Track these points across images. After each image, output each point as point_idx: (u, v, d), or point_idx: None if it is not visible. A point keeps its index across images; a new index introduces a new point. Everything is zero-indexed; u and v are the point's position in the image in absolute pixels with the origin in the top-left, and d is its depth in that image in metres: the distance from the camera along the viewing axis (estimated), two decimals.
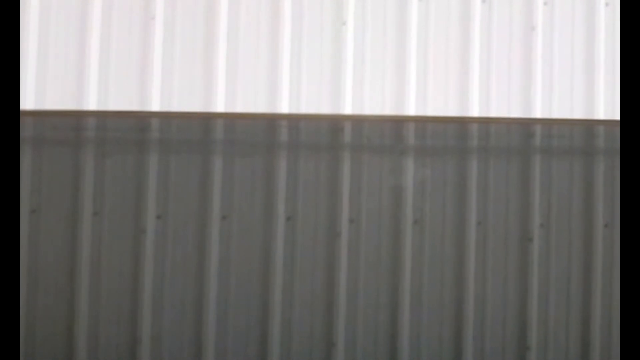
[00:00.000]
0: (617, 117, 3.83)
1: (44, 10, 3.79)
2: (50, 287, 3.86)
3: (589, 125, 3.98)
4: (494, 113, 3.85)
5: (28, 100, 3.73)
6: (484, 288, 3.98)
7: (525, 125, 3.97)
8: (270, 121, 3.90)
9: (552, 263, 4.00)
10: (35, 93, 3.74)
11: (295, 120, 3.88)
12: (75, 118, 3.84)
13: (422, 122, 3.92)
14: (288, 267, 3.91)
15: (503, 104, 3.86)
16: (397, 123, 3.93)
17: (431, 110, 3.84)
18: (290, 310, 3.91)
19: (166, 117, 3.85)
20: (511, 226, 4.00)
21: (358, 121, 3.90)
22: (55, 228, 3.89)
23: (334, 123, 3.90)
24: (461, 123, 3.94)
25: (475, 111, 3.85)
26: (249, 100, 3.79)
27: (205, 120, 3.89)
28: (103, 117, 3.83)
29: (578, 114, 3.87)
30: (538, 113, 3.86)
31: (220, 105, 3.78)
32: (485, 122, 3.92)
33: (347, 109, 3.81)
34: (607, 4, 3.95)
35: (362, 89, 3.83)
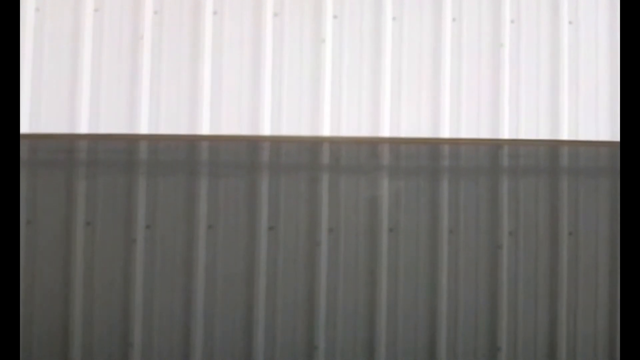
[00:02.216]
0: (580, 137, 3.98)
1: (37, 36, 3.93)
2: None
3: (553, 146, 4.07)
4: (464, 134, 4.00)
5: (23, 124, 3.85)
6: (456, 292, 4.06)
7: (494, 146, 4.06)
8: (253, 143, 3.98)
9: (520, 268, 4.09)
10: (30, 117, 3.87)
11: (276, 142, 3.96)
12: (68, 141, 3.92)
13: (396, 144, 4.01)
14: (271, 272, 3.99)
15: (472, 126, 4.01)
16: (373, 144, 4.03)
17: (404, 132, 3.98)
18: (274, 314, 3.96)
19: (154, 140, 3.93)
20: (481, 234, 4.08)
21: (336, 142, 3.99)
22: (50, 241, 3.96)
23: (314, 144, 3.99)
24: (433, 144, 4.04)
25: (446, 133, 4.00)
26: (233, 123, 3.94)
27: (191, 142, 3.97)
28: (94, 139, 3.91)
29: (543, 134, 4.01)
30: (506, 134, 4.01)
31: (205, 128, 3.93)
32: (456, 143, 4.01)
33: (326, 131, 3.96)
34: (570, 22, 4.09)
35: (339, 113, 3.99)
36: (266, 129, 3.94)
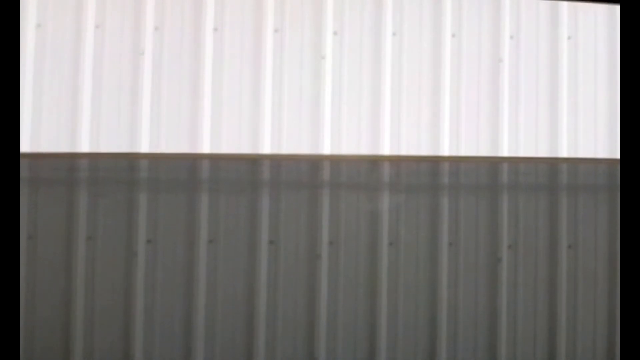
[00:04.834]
0: (579, 154, 4.01)
1: (38, 55, 3.92)
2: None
3: (552, 163, 4.09)
4: (463, 152, 4.02)
5: (24, 144, 3.85)
6: (456, 303, 4.10)
7: (495, 163, 4.09)
8: (254, 161, 4.00)
9: (519, 280, 4.13)
10: (31, 136, 3.88)
11: (276, 160, 3.98)
12: (69, 160, 3.93)
13: (396, 161, 4.03)
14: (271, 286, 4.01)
15: (472, 143, 4.04)
16: (373, 162, 4.05)
17: (405, 150, 4.00)
18: (274, 327, 3.98)
19: (154, 158, 3.95)
20: (481, 249, 4.12)
21: (336, 161, 4.01)
22: (51, 256, 3.96)
23: (314, 162, 4.01)
24: (434, 162, 4.07)
25: (446, 150, 4.02)
26: (233, 141, 3.96)
27: (192, 160, 3.99)
28: (95, 158, 3.93)
29: (542, 151, 4.04)
30: (505, 151, 4.03)
31: (205, 147, 3.95)
32: (456, 161, 4.04)
33: (326, 149, 3.99)
34: (569, 38, 4.12)
35: (339, 130, 4.01)
36: (266, 147, 3.96)
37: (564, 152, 4.06)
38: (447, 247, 4.09)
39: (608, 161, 4.07)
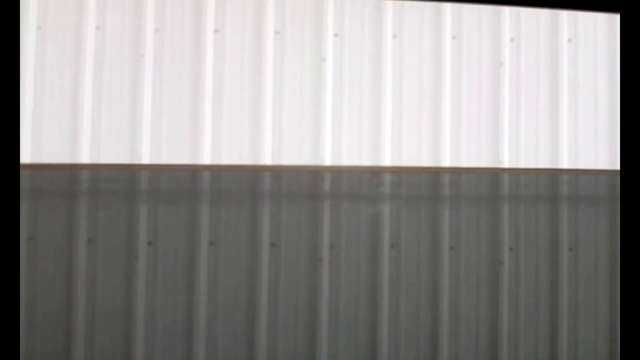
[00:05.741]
0: (580, 165, 4.01)
1: (38, 65, 3.91)
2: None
3: (553, 174, 4.09)
4: (464, 163, 4.02)
5: (24, 154, 3.86)
6: (458, 306, 4.11)
7: (495, 174, 4.09)
8: (254, 173, 4.00)
9: (521, 283, 4.13)
10: (31, 147, 3.88)
11: (277, 171, 3.98)
12: (70, 171, 3.93)
13: (397, 172, 4.03)
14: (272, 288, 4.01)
15: (472, 154, 4.04)
16: (374, 173, 4.05)
17: (405, 161, 4.01)
18: (275, 329, 3.99)
19: (155, 170, 3.95)
20: (482, 256, 4.12)
21: (337, 172, 4.01)
22: (51, 267, 3.96)
23: (315, 173, 4.01)
24: (435, 173, 4.07)
25: (447, 161, 4.03)
26: (234, 153, 3.96)
27: (193, 172, 3.99)
28: (95, 169, 3.93)
29: (543, 162, 4.05)
30: (506, 162, 4.04)
31: (206, 158, 3.95)
32: (457, 172, 4.04)
33: (327, 161, 3.99)
34: (569, 40, 4.11)
35: (340, 136, 4.01)
36: (267, 159, 3.96)
37: (564, 163, 4.05)
38: (448, 253, 4.09)
39: (608, 172, 4.08)
